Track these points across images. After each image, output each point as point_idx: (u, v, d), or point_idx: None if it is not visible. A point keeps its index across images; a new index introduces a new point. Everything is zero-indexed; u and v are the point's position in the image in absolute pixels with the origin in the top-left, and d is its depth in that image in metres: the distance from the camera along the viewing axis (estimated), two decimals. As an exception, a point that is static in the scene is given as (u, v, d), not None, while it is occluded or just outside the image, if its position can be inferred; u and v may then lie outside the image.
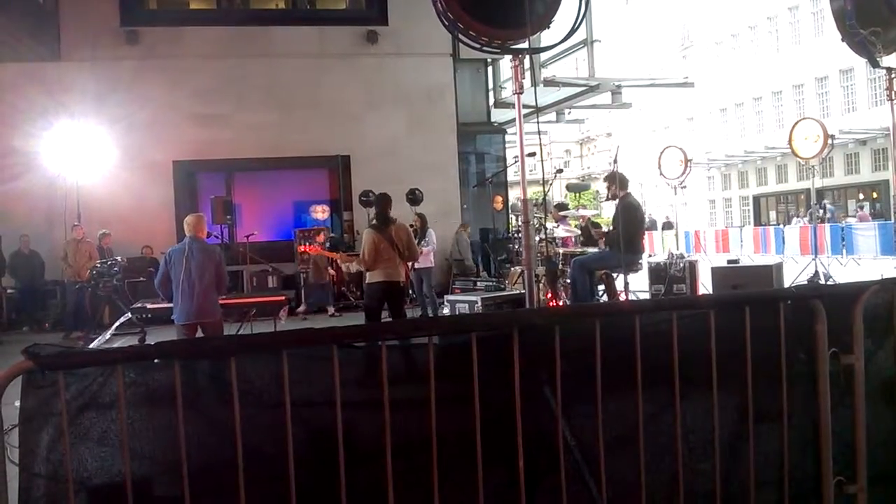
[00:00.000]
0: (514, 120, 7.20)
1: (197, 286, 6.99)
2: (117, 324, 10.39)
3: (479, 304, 9.14)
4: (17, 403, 2.12)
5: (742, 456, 2.71)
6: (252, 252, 14.22)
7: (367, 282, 7.93)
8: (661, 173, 16.65)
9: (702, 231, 30.16)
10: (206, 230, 7.66)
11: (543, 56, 16.02)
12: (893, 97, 8.31)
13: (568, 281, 9.30)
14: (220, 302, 7.60)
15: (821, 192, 29.17)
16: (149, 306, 8.54)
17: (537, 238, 9.11)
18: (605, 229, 10.23)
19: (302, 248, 11.34)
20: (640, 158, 39.60)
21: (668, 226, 30.00)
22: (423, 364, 2.43)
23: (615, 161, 8.75)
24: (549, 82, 15.87)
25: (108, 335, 10.34)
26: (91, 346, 9.99)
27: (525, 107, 5.70)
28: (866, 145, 31.53)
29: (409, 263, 8.69)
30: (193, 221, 7.31)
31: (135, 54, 15.43)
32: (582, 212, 12.71)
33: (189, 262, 6.98)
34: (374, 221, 8.02)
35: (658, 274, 11.05)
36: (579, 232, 11.06)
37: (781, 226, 30.12)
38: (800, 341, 2.81)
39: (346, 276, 14.46)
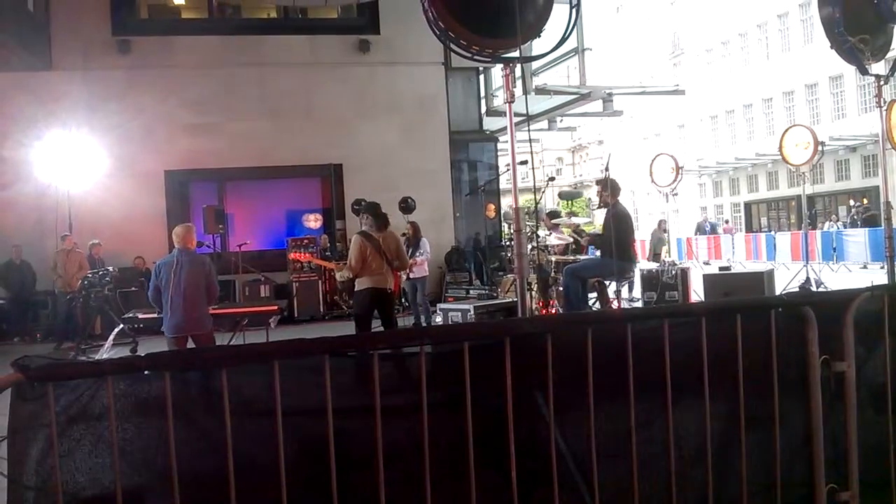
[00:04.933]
0: (505, 128, 7.23)
1: (186, 298, 6.91)
2: (113, 335, 10.32)
3: (472, 312, 9.13)
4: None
5: (734, 463, 2.71)
6: (244, 261, 14.19)
7: (355, 289, 7.90)
8: (652, 181, 16.71)
9: (693, 238, 30.24)
10: (196, 240, 7.58)
11: (535, 64, 16.06)
12: (882, 104, 8.36)
13: (560, 289, 9.30)
14: (213, 312, 7.55)
15: (811, 199, 29.34)
16: (140, 316, 8.48)
17: (529, 246, 9.12)
18: (594, 232, 10.23)
19: (294, 256, 11.34)
20: (632, 166, 39.67)
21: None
22: (416, 373, 2.42)
23: (607, 169, 8.76)
24: (541, 90, 15.93)
25: (107, 347, 10.25)
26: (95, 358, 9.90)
27: (516, 115, 5.71)
28: (856, 152, 31.68)
29: (401, 272, 8.64)
30: (182, 233, 7.19)
31: (126, 63, 15.42)
32: (573, 219, 12.68)
33: (178, 274, 6.90)
34: (370, 226, 7.85)
35: (650, 281, 11.06)
36: (572, 240, 11.07)
37: (773, 232, 30.27)
38: (791, 348, 2.82)
39: (339, 284, 14.43)
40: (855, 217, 26.43)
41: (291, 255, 11.86)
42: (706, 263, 23.63)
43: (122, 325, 10.12)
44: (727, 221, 37.50)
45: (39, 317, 14.15)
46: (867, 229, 21.89)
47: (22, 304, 14.09)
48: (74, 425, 2.19)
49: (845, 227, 25.87)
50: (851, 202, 29.59)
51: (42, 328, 13.92)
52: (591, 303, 9.35)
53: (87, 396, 2.18)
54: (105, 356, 9.89)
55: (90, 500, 2.20)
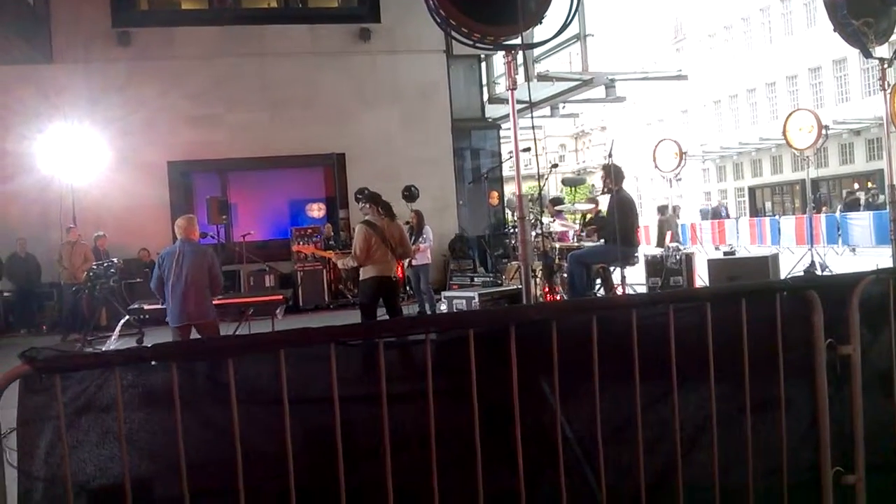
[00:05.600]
0: (508, 115, 7.21)
1: (189, 289, 6.97)
2: (119, 326, 10.35)
3: (477, 299, 9.13)
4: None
5: (740, 447, 2.72)
6: (249, 251, 14.21)
7: (360, 278, 7.91)
8: (656, 166, 16.69)
9: (698, 223, 30.20)
10: (198, 231, 7.61)
11: (536, 51, 16.01)
12: (886, 87, 8.33)
13: (565, 275, 9.29)
14: (218, 302, 7.58)
15: (816, 183, 29.27)
16: (146, 307, 8.52)
17: (533, 233, 9.11)
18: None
19: (297, 248, 11.32)
20: (635, 152, 39.61)
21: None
22: (421, 361, 2.43)
23: (610, 155, 8.74)
24: (543, 77, 15.88)
25: (113, 338, 10.29)
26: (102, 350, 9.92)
27: (519, 102, 5.69)
28: (860, 135, 31.59)
29: (405, 260, 8.64)
30: (184, 224, 7.25)
31: (127, 55, 15.40)
32: (579, 206, 12.64)
33: (180, 264, 6.95)
34: (378, 214, 7.86)
35: (655, 267, 11.04)
36: (577, 226, 11.04)
37: (777, 216, 30.22)
38: (796, 332, 2.82)
39: (343, 273, 14.47)
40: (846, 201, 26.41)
41: (295, 248, 11.85)
42: (717, 248, 23.63)
43: (127, 317, 10.15)
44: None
45: (45, 309, 14.19)
46: (872, 212, 21.81)
47: (27, 297, 14.14)
48: (82, 416, 2.20)
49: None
50: (856, 185, 29.50)
51: (48, 320, 13.98)
52: (595, 289, 9.35)
53: (94, 387, 2.19)
54: (111, 347, 9.92)
55: (99, 490, 2.21)
